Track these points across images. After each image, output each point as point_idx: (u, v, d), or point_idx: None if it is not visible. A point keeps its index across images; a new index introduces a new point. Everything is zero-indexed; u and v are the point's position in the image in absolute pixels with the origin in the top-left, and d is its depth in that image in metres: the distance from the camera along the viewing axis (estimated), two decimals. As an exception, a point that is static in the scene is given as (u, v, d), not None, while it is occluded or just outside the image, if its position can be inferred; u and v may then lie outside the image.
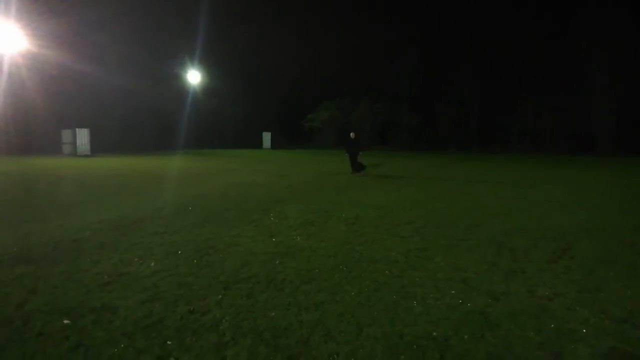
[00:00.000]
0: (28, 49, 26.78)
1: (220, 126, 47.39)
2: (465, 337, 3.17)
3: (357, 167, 15.77)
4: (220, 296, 3.84)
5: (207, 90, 43.77)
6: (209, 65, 42.13)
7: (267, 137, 47.64)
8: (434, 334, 3.23)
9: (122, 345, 2.94)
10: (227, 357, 2.83)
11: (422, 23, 48.95)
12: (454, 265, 4.88)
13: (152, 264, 4.75)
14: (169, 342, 2.99)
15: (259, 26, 48.94)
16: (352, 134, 16.01)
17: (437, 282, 4.35)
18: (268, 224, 6.97)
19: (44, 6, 26.77)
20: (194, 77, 41.54)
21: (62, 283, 4.10)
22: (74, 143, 27.96)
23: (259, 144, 47.10)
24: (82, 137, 27.92)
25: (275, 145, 47.06)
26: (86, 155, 27.02)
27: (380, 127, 48.54)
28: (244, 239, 5.94)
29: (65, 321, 3.28)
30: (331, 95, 47.57)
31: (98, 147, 28.83)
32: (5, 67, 26.28)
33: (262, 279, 4.31)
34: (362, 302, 3.78)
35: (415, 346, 3.04)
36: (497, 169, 20.66)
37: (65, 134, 28.70)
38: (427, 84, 46.82)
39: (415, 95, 47.52)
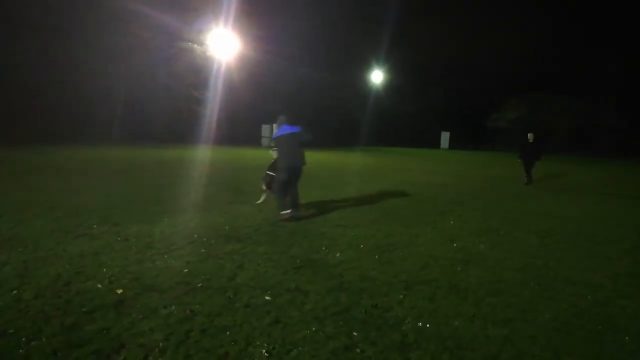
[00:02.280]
0: (239, 52, 31.11)
1: (399, 124, 47.69)
2: None
3: (530, 174, 13.03)
4: (401, 295, 3.85)
5: (388, 87, 44.47)
6: (391, 62, 42.72)
7: (445, 136, 46.18)
8: (656, 381, 2.68)
9: (314, 329, 3.17)
10: (411, 359, 2.81)
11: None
12: (681, 301, 3.98)
13: (337, 254, 5.03)
14: (355, 333, 3.11)
15: (443, 21, 47.54)
16: (529, 136, 13.12)
17: (657, 318, 3.61)
18: (447, 227, 6.74)
19: (253, 11, 30.62)
20: (377, 76, 42.69)
21: (264, 262, 4.64)
22: (271, 137, 31.59)
23: (437, 143, 45.99)
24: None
25: (454, 145, 45.29)
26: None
27: (580, 129, 41.96)
28: (423, 240, 5.86)
29: (267, 297, 3.70)
30: (521, 92, 43.23)
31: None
32: (222, 71, 30.96)
33: (444, 284, 4.18)
34: (559, 327, 3.35)
35: (631, 392, 2.56)
36: None
37: (265, 129, 32.49)
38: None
39: (624, 91, 39.87)
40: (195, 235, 5.61)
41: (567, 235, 6.54)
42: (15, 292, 3.59)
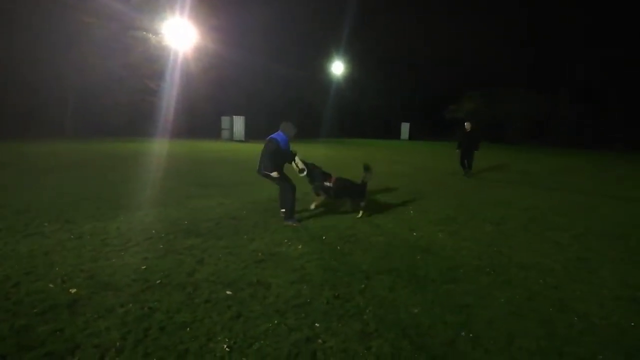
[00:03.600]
0: (196, 43, 30.38)
1: (359, 116, 48.09)
2: (642, 368, 2.75)
3: (470, 165, 12.72)
4: (363, 285, 3.91)
5: (349, 80, 44.69)
6: (351, 55, 42.93)
7: (405, 127, 46.94)
8: (600, 357, 2.87)
9: (276, 322, 3.18)
10: (372, 348, 2.87)
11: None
12: (622, 282, 4.26)
13: (300, 246, 5.04)
14: (316, 325, 3.14)
15: (401, 13, 48.24)
16: (467, 125, 12.70)
17: (602, 298, 3.85)
18: (408, 217, 6.88)
19: (210, 2, 29.94)
20: (338, 68, 42.79)
21: (225, 257, 4.59)
22: (231, 129, 31.00)
23: (397, 135, 46.73)
24: (238, 124, 30.78)
25: (414, 136, 46.17)
26: (240, 141, 29.77)
27: (535, 120, 43.59)
28: (384, 230, 5.96)
29: (228, 292, 3.67)
30: (478, 84, 44.49)
31: (249, 133, 31.52)
32: (179, 62, 30.15)
33: (404, 273, 4.28)
34: (513, 311, 3.51)
35: (577, 368, 2.73)
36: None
37: (224, 121, 31.91)
38: (592, 69, 40.82)
39: (579, 82, 41.72)
40: (153, 231, 5.47)
41: (520, 222, 6.82)
42: (-43, 295, 3.40)
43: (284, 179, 6.35)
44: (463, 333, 3.11)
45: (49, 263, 4.17)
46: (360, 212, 6.75)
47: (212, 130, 33.08)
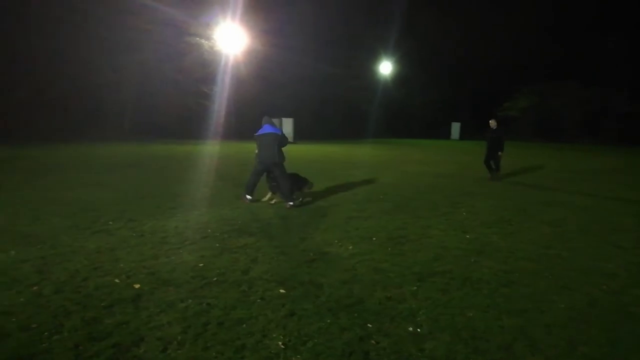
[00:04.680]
0: (246, 46, 31.09)
1: (408, 116, 47.38)
2: None
3: (497, 167, 11.63)
4: (415, 287, 3.87)
5: (397, 79, 44.14)
6: (399, 53, 42.39)
7: (455, 127, 45.79)
8: (673, 370, 2.69)
9: (328, 321, 3.21)
10: (425, 350, 2.84)
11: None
12: (698, 290, 3.96)
13: (350, 247, 5.06)
14: (369, 325, 3.15)
15: (449, 9, 46.91)
16: (492, 123, 11.59)
17: (674, 307, 3.60)
18: (459, 219, 6.73)
19: (260, 5, 30.55)
20: (385, 68, 42.40)
21: (277, 256, 4.68)
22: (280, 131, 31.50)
23: (447, 134, 45.67)
24: (287, 125, 31.22)
25: (465, 136, 44.92)
26: (289, 142, 30.21)
27: (590, 117, 41.21)
28: (435, 232, 5.87)
29: (281, 290, 3.74)
30: (531, 80, 42.58)
31: (297, 134, 31.86)
32: (230, 65, 30.94)
33: (457, 275, 4.19)
34: (574, 317, 3.35)
35: (647, 381, 2.57)
36: None
37: (274, 123, 32.43)
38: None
39: (634, 77, 38.94)
40: (209, 230, 5.68)
41: (580, 224, 6.50)
42: (35, 288, 3.67)
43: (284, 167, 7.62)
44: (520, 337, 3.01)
45: (114, 259, 4.43)
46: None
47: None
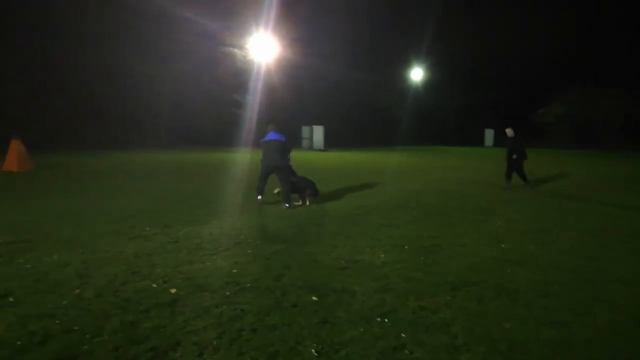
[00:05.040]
0: (278, 55, 31.54)
1: (439, 122, 46.70)
2: None
3: (522, 177, 11.00)
4: (449, 297, 3.80)
5: (429, 85, 43.69)
6: (431, 59, 41.97)
7: (489, 134, 44.79)
8: None
9: (362, 329, 3.18)
10: (461, 361, 2.78)
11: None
12: None
13: (382, 255, 5.02)
14: (403, 335, 3.10)
15: (482, 14, 46.06)
16: (508, 132, 11.10)
17: None
18: (494, 227, 6.58)
19: (292, 14, 30.97)
20: (417, 74, 42.07)
21: (309, 263, 4.70)
22: (310, 138, 31.60)
23: (480, 141, 44.74)
24: (318, 133, 31.36)
25: (499, 142, 43.84)
26: (320, 150, 30.30)
27: (631, 123, 39.19)
28: (468, 240, 5.75)
29: (314, 297, 3.75)
30: (569, 86, 41.10)
31: (327, 142, 31.96)
32: (262, 74, 31.40)
33: (492, 285, 4.09)
34: (619, 331, 3.21)
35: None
36: None
37: (305, 130, 32.60)
38: None
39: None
40: (242, 237, 5.76)
41: (625, 234, 6.23)
42: (77, 291, 3.81)
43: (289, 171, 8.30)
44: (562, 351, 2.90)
45: (151, 264, 4.55)
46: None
47: (293, 140, 33.91)
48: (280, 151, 8.06)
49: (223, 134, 31.63)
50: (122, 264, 4.55)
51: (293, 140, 8.71)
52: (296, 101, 34.30)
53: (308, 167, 16.25)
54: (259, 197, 8.26)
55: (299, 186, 8.39)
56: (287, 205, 7.97)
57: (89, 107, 26.68)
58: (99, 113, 27.17)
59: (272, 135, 8.21)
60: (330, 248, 5.28)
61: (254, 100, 31.26)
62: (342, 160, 20.50)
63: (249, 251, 5.09)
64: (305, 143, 32.45)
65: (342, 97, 38.01)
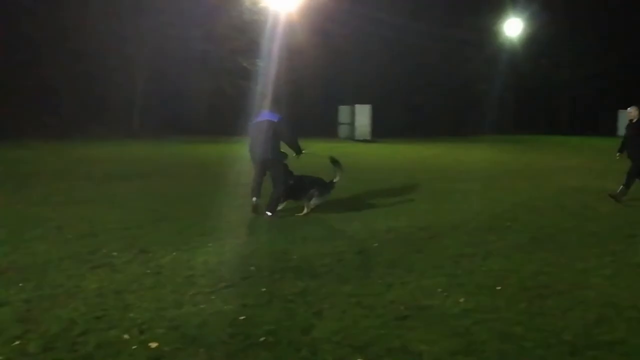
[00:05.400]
0: (305, 0, 31.45)
1: (551, 100, 45.77)
2: None
3: (627, 181, 10.62)
4: (568, 366, 3.73)
5: (531, 45, 42.81)
6: (538, 4, 41.08)
7: (624, 117, 43.62)
8: None
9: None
10: None
11: None
12: None
13: (462, 299, 4.95)
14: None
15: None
16: (631, 112, 10.80)
17: None
18: (637, 261, 6.41)
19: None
20: (513, 27, 41.35)
21: (352, 309, 4.69)
22: (351, 124, 31.56)
23: (612, 130, 43.58)
24: (363, 116, 31.21)
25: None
26: (365, 140, 30.22)
27: None
28: (597, 280, 5.63)
29: (360, 360, 3.74)
30: None
31: (378, 129, 31.87)
32: (280, 30, 31.35)
33: (635, 348, 3.97)
34: None
35: None
36: None
37: (343, 112, 32.59)
38: None
39: None
40: (252, 268, 5.81)
41: None
42: (17, 342, 3.91)
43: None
44: None
45: (122, 306, 4.64)
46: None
47: (324, 126, 33.93)
48: (271, 138, 8.38)
49: (222, 117, 31.91)
50: (81, 304, 4.65)
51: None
52: (331, 69, 34.34)
53: (348, 166, 16.21)
54: (254, 199, 8.61)
55: (298, 188, 8.72)
56: (269, 214, 8.39)
57: (29, 80, 27.28)
58: (44, 88, 27.82)
59: (264, 116, 8.61)
60: (382, 287, 5.25)
61: (268, 68, 31.35)
62: (399, 157, 20.44)
63: (263, 289, 5.12)
64: (343, 131, 32.51)
65: (400, 64, 37.79)
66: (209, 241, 6.96)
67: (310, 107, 34.54)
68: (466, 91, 41.90)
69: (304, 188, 8.69)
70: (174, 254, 6.34)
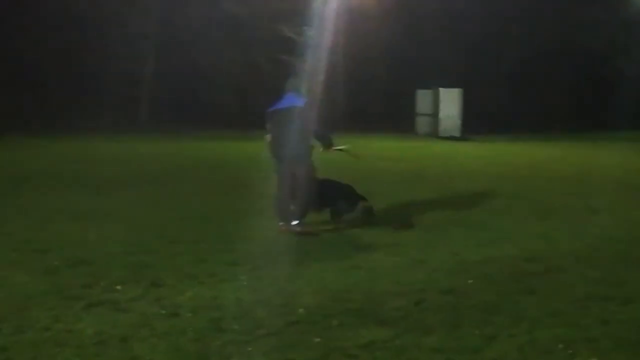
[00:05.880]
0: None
1: None
2: None
3: None
4: None
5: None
6: None
7: None
8: None
9: None
10: None
11: None
12: None
13: (594, 359, 4.83)
14: None
15: None
16: None
17: None
18: None
19: None
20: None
21: (439, 369, 4.63)
22: (435, 115, 30.96)
23: None
24: (450, 104, 30.58)
25: None
26: (453, 137, 29.76)
27: None
28: None
29: None
30: None
31: (470, 122, 31.41)
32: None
33: None
34: None
35: None
36: None
37: (422, 98, 32.13)
38: None
39: None
40: (301, 310, 5.80)
41: None
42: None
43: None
44: None
45: (128, 358, 4.67)
46: None
47: (396, 117, 33.71)
48: (300, 129, 8.50)
49: (256, 103, 31.98)
50: (73, 354, 4.70)
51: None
52: (406, 41, 34.21)
53: (427, 173, 16.10)
54: (281, 223, 8.87)
55: (329, 195, 8.93)
56: (295, 223, 8.71)
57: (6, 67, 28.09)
58: (29, 73, 28.59)
59: (289, 100, 8.72)
60: (480, 341, 5.17)
61: (320, 40, 31.34)
62: (499, 160, 20.23)
63: (316, 340, 5.10)
64: (422, 124, 32.23)
65: (498, 34, 37.42)
66: (241, 272, 6.99)
67: (376, 92, 34.39)
68: (594, 69, 41.07)
69: (339, 194, 8.93)
70: (196, 288, 6.38)
